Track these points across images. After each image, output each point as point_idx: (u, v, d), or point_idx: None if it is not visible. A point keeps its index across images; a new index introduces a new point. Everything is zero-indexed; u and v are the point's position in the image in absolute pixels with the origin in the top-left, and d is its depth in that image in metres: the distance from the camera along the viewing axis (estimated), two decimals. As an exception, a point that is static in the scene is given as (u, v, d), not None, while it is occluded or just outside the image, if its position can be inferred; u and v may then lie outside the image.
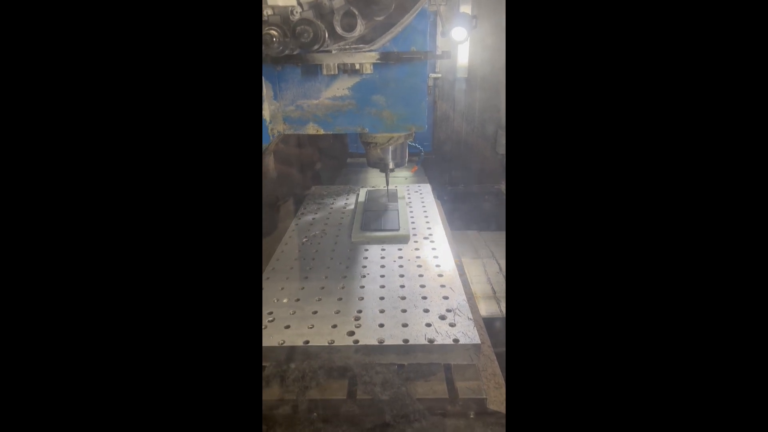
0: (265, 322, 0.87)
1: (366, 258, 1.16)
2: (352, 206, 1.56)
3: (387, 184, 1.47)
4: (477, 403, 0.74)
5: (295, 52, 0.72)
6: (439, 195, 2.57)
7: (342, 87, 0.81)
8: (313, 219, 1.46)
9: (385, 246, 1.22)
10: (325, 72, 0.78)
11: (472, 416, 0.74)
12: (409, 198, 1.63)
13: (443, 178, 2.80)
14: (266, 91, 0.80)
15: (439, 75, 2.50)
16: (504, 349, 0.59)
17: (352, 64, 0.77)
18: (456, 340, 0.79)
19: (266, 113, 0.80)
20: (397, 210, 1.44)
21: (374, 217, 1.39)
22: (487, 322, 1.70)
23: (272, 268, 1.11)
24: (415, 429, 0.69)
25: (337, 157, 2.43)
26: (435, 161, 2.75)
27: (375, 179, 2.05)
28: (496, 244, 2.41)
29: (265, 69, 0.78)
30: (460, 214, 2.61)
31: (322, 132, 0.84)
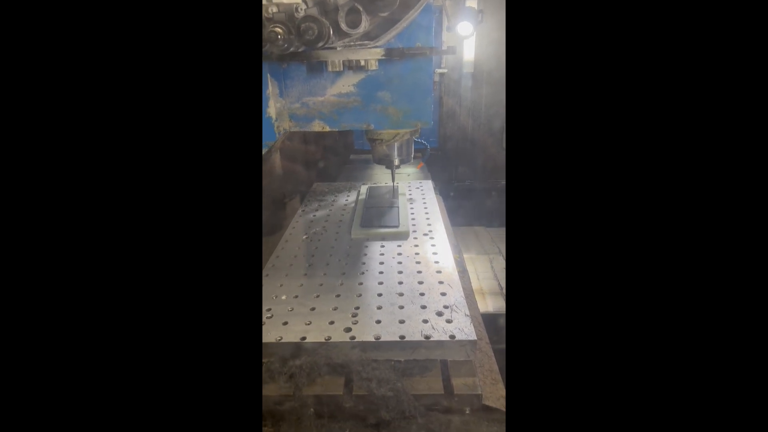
0: (263, 318, 0.88)
1: (365, 255, 1.16)
2: (353, 203, 1.57)
3: (393, 181, 1.47)
4: (472, 399, 0.75)
5: (300, 50, 0.73)
6: (445, 191, 2.57)
7: (347, 84, 0.81)
8: (314, 216, 1.47)
9: (384, 243, 1.23)
10: (330, 69, 0.78)
11: (468, 412, 0.75)
12: (410, 195, 1.63)
13: (449, 174, 2.80)
14: (272, 88, 0.80)
15: (445, 70, 2.49)
16: (504, 345, 0.60)
17: (357, 61, 0.77)
18: (452, 337, 0.80)
19: (272, 111, 0.80)
20: (398, 207, 1.45)
21: (374, 214, 1.40)
22: (493, 318, 1.71)
23: (272, 265, 1.13)
24: (418, 425, 0.70)
25: (342, 154, 2.44)
26: (441, 157, 2.75)
27: (378, 175, 2.05)
28: (504, 240, 2.41)
29: (271, 67, 0.79)
30: (466, 211, 2.61)
31: (327, 129, 0.84)
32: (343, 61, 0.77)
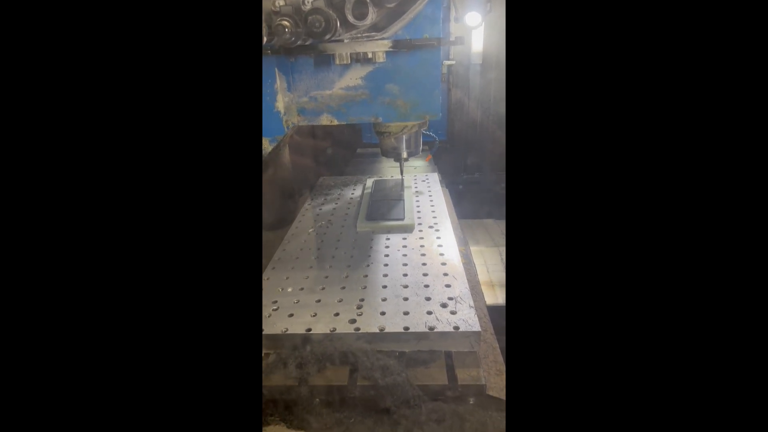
0: (269, 311, 0.90)
1: (371, 247, 1.17)
2: (359, 197, 1.57)
3: (401, 174, 1.47)
4: (476, 389, 0.76)
5: (307, 42, 0.73)
6: (454, 183, 2.55)
7: (355, 77, 0.81)
8: (321, 210, 1.48)
9: (390, 235, 1.24)
10: (337, 62, 0.78)
11: (471, 402, 0.76)
12: (416, 187, 1.63)
13: (459, 166, 2.78)
14: (280, 82, 0.80)
15: (453, 62, 2.45)
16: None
17: (365, 53, 0.77)
18: (456, 328, 0.81)
19: (280, 105, 0.81)
20: (403, 199, 1.45)
21: (380, 207, 1.40)
22: (503, 310, 1.70)
23: (278, 258, 1.14)
24: (428, 410, 0.71)
25: (350, 146, 2.44)
26: (450, 149, 2.73)
27: (386, 168, 2.04)
28: (513, 233, 2.39)
29: (279, 60, 0.79)
30: (474, 203, 2.60)
31: (336, 122, 0.85)
32: (350, 53, 0.77)
